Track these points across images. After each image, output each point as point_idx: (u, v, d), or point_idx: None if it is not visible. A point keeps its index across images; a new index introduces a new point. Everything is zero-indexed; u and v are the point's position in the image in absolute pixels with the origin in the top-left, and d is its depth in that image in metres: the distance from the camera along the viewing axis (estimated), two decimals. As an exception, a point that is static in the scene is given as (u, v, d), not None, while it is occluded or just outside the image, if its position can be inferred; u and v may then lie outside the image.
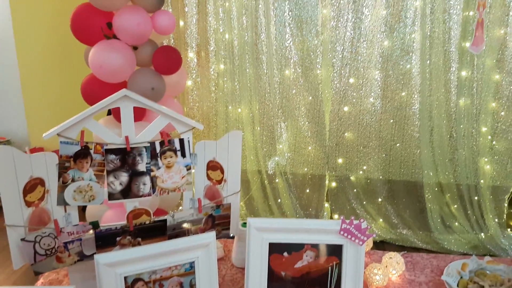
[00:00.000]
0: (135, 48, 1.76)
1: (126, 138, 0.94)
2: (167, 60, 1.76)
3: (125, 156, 0.95)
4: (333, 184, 2.32)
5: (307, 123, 2.19)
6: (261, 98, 2.14)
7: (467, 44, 2.09)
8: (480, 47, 2.11)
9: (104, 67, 1.64)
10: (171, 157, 0.99)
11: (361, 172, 2.27)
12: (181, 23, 2.00)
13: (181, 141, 1.00)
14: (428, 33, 2.08)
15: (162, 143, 0.98)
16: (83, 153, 0.92)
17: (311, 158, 2.26)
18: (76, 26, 1.65)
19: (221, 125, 2.17)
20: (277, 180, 2.26)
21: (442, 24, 2.06)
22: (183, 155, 1.00)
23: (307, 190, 2.30)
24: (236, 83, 2.11)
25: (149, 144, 0.96)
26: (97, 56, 1.64)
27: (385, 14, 2.04)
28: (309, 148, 2.24)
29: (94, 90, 1.73)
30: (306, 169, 2.29)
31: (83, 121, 0.89)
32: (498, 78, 2.19)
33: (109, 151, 0.94)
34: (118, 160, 0.94)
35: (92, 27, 1.65)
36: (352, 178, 2.30)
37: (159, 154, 0.98)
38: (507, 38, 2.11)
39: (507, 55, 2.13)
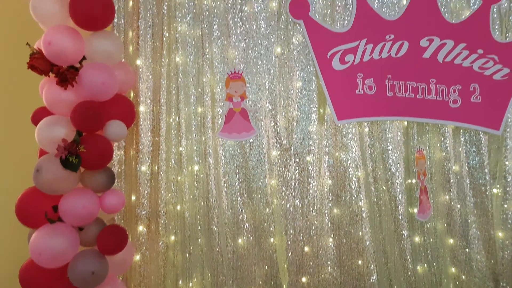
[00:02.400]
0: (80, 229, 1.76)
1: None
2: (112, 241, 1.75)
3: None
4: None
5: (263, 296, 2.09)
6: (214, 270, 2.07)
7: (415, 210, 2.17)
8: (427, 214, 2.20)
9: (43, 254, 1.62)
10: None
11: None
12: (133, 197, 2.05)
13: None
14: (375, 200, 2.17)
15: None
16: None
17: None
18: (21, 211, 1.67)
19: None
20: None
21: (386, 192, 2.17)
22: None
23: None
24: (187, 255, 2.07)
25: None
26: (37, 243, 1.62)
27: (331, 183, 2.15)
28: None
29: (33, 276, 1.67)
30: None
31: None
32: (452, 243, 2.21)
33: None
34: None
35: (37, 211, 1.68)
36: None
37: None
38: (452, 203, 2.21)
39: (456, 219, 2.19)
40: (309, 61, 2.14)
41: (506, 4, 2.19)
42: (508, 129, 2.22)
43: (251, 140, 2.16)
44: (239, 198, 2.14)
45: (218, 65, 2.10)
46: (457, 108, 2.17)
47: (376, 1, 2.13)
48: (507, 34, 2.20)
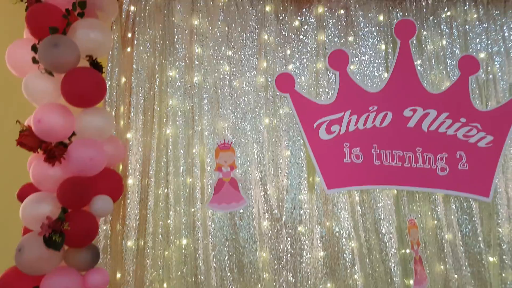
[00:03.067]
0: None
1: None
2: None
3: None
4: None
5: None
6: None
7: (411, 282, 2.10)
8: (424, 285, 2.12)
9: None
10: None
11: None
12: (118, 274, 1.98)
13: None
14: (370, 272, 2.10)
15: None
16: None
17: None
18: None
19: None
20: None
21: (381, 264, 2.11)
22: None
23: None
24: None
25: None
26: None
27: (324, 255, 2.09)
28: None
29: None
30: None
31: None
32: (453, 316, 2.11)
33: None
34: None
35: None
36: None
37: None
38: (448, 273, 2.15)
39: (454, 291, 2.12)
40: (296, 131, 2.19)
41: (483, 75, 2.30)
42: (498, 196, 2.22)
43: (241, 211, 2.13)
44: (229, 274, 2.06)
45: (208, 136, 2.14)
46: (445, 176, 2.19)
47: (358, 75, 2.23)
48: (487, 103, 2.29)
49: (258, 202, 2.14)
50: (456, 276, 2.16)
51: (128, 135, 2.09)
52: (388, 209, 2.18)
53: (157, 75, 2.12)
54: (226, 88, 2.16)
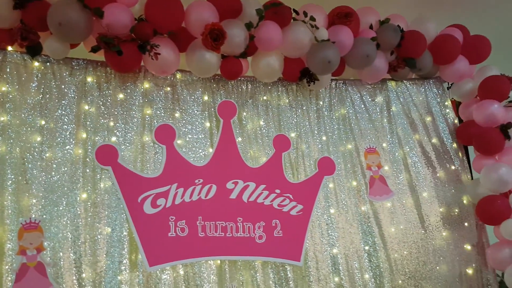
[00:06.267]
0: None
1: None
2: None
3: None
4: None
5: None
6: None
7: None
8: None
9: None
10: None
11: None
12: None
13: None
14: None
15: None
16: None
17: None
18: None
19: None
20: None
21: None
22: None
23: None
24: None
25: None
26: None
27: None
28: None
29: None
30: None
31: None
32: None
33: None
34: None
35: None
36: None
37: None
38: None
39: None
40: (119, 207, 2.09)
41: (294, 151, 2.65)
42: (308, 259, 2.49)
43: (53, 299, 1.88)
44: None
45: (11, 215, 1.87)
46: (263, 243, 2.38)
47: (183, 149, 2.31)
48: (298, 176, 2.62)
49: (70, 287, 1.92)
50: None
51: None
52: (211, 281, 2.22)
53: None
54: (37, 160, 1.95)
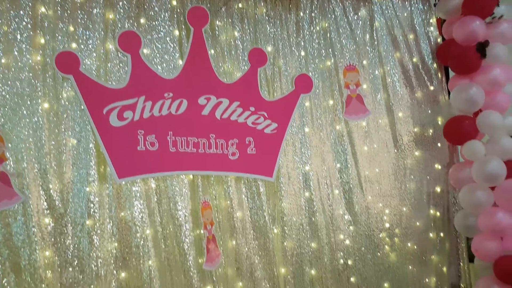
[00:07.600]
0: None
1: None
2: None
3: None
4: None
5: None
6: None
7: (204, 259, 2.20)
8: (217, 261, 2.26)
9: None
10: None
11: None
12: None
13: None
14: (165, 256, 2.13)
15: None
16: None
17: None
18: None
19: None
20: None
21: (176, 247, 2.18)
22: None
23: None
24: None
25: None
26: None
27: (116, 246, 2.02)
28: None
29: None
30: None
31: None
32: (241, 285, 2.32)
33: None
34: None
35: None
36: None
37: None
38: (239, 247, 2.34)
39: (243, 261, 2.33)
40: (83, 118, 2.01)
41: (271, 67, 2.54)
42: (280, 175, 2.52)
43: (16, 207, 1.86)
44: (4, 280, 1.79)
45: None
46: (236, 160, 2.37)
47: (152, 60, 2.18)
48: (274, 94, 2.54)
49: (37, 198, 1.90)
50: (246, 249, 2.38)
51: None
52: (184, 194, 2.23)
53: None
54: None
